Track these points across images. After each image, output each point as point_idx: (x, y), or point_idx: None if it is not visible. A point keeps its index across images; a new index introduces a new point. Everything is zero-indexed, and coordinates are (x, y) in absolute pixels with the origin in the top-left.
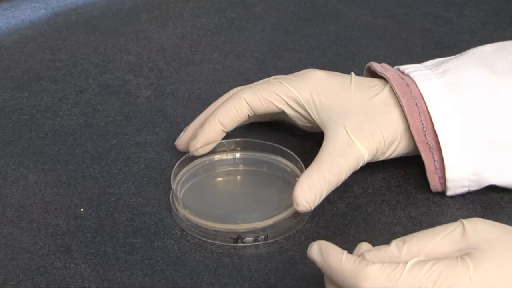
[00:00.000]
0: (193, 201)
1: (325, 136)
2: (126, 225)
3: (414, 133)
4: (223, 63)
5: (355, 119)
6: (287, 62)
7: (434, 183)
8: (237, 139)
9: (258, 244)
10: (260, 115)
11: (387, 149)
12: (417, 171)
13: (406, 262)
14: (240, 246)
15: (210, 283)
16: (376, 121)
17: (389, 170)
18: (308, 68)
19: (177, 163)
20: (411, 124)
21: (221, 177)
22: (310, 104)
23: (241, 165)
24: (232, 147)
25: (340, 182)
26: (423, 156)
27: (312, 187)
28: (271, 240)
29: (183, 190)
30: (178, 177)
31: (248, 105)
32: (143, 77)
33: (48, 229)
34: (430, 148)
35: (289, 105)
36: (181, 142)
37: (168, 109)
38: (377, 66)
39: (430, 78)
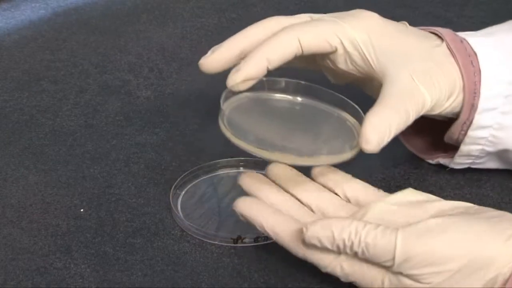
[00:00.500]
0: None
1: (384, 80)
2: (126, 226)
3: (466, 91)
4: None
5: (419, 64)
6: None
7: (454, 134)
8: (298, 81)
9: (258, 245)
10: (306, 57)
11: (446, 101)
12: (417, 171)
13: None
14: (240, 246)
15: (210, 284)
16: (439, 70)
17: (389, 170)
18: None
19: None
20: (466, 83)
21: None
22: (367, 46)
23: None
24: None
25: (407, 124)
26: (463, 113)
27: (382, 125)
28: (270, 241)
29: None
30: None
31: (300, 44)
32: (143, 77)
33: (48, 229)
34: (472, 109)
35: (343, 45)
36: (207, 62)
37: (168, 109)
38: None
39: (480, 38)
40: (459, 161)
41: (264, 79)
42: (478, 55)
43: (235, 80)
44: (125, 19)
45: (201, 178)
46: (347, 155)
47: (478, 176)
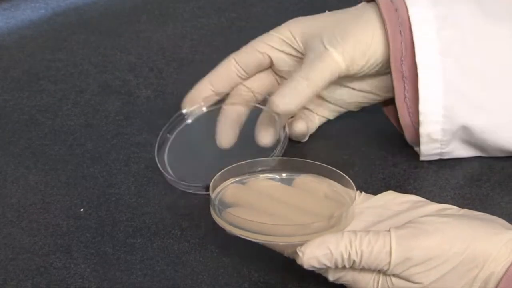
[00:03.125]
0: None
1: (305, 55)
2: (126, 225)
3: (392, 59)
4: None
5: (332, 31)
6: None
7: (403, 114)
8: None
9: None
10: (252, 72)
11: (365, 60)
12: (417, 171)
13: None
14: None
15: (210, 283)
16: (351, 30)
17: (389, 170)
18: None
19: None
20: (391, 51)
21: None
22: (291, 39)
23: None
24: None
25: (318, 89)
26: (394, 83)
27: (289, 93)
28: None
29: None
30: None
31: (236, 61)
32: (143, 77)
33: (48, 229)
34: (403, 77)
35: (272, 47)
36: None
37: (168, 109)
38: None
39: (423, 5)
40: (426, 151)
41: (243, 162)
42: (412, 24)
43: (183, 102)
44: (125, 19)
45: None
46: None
47: (478, 176)
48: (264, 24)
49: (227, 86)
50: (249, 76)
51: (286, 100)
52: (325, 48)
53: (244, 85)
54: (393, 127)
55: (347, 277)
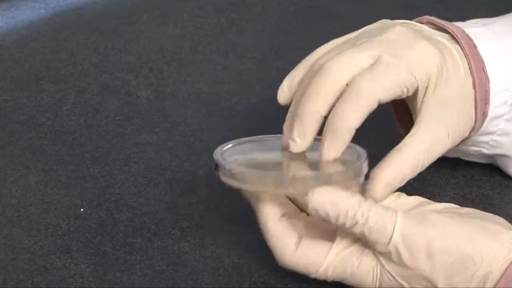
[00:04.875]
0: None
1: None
2: (126, 225)
3: (478, 99)
4: (223, 63)
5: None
6: (287, 62)
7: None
8: None
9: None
10: None
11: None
12: None
13: None
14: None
15: (210, 283)
16: (460, 100)
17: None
18: None
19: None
20: (478, 91)
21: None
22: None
23: None
24: None
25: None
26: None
27: (393, 178)
28: None
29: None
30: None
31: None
32: (143, 77)
33: (48, 229)
34: (483, 117)
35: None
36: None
37: (168, 109)
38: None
39: (488, 41)
40: (450, 154)
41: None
42: (485, 61)
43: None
44: (125, 19)
45: None
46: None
47: (478, 176)
48: (264, 24)
49: None
50: None
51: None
52: (445, 133)
53: None
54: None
55: (346, 271)
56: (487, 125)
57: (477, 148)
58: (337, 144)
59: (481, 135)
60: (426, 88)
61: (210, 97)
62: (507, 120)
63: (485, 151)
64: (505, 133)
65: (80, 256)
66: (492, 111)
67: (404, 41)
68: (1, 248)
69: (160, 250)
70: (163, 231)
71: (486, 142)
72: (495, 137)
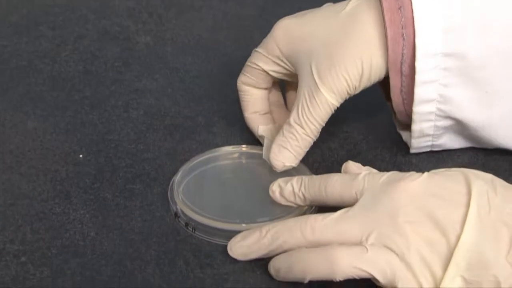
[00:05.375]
0: (193, 194)
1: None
2: (126, 171)
3: (390, 64)
4: (223, 9)
5: (321, 55)
6: (287, 10)
7: (398, 105)
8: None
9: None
10: (267, 87)
11: (360, 86)
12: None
13: None
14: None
15: None
16: (342, 57)
17: (389, 116)
18: None
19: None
20: (390, 57)
21: (225, 172)
22: (279, 57)
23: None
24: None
25: (316, 133)
26: (391, 81)
27: (287, 146)
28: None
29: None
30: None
31: (247, 84)
32: (142, 23)
33: (47, 175)
34: (402, 75)
35: (265, 67)
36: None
37: (167, 55)
38: None
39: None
40: (417, 144)
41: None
42: (416, 26)
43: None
44: None
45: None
46: None
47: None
48: None
49: (265, 108)
50: (268, 88)
51: (286, 158)
52: (316, 85)
53: (272, 102)
54: (387, 122)
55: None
56: (421, 92)
57: (430, 123)
58: None
59: (421, 103)
60: None
61: (210, 43)
62: (445, 86)
63: (439, 123)
64: (445, 101)
65: (79, 202)
66: (422, 75)
67: None
68: (0, 194)
69: (159, 196)
70: (162, 177)
71: (433, 113)
72: (438, 105)
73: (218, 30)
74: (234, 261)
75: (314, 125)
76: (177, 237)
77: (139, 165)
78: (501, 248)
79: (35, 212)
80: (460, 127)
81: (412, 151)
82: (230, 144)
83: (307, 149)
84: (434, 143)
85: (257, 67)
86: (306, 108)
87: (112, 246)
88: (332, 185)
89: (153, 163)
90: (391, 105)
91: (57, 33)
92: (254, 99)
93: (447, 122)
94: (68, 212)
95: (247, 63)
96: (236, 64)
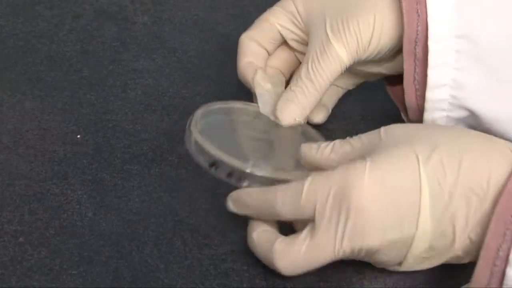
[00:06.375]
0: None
1: (308, 43)
2: (123, 152)
3: (405, 40)
4: None
5: (335, 13)
6: None
7: (410, 96)
8: None
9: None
10: (270, 48)
11: (372, 51)
12: None
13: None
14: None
15: (208, 209)
16: (356, 16)
17: (387, 96)
18: None
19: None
20: (405, 32)
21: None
22: (295, 15)
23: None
24: None
25: (324, 90)
26: (405, 65)
27: (294, 101)
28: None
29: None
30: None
31: (251, 40)
32: (139, 3)
33: (44, 155)
34: (415, 59)
35: (279, 24)
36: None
37: (165, 35)
38: None
39: None
40: None
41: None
42: (428, 4)
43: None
44: None
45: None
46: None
47: None
48: None
49: (262, 66)
50: (269, 53)
51: (293, 112)
52: (328, 39)
53: (269, 66)
54: (386, 101)
55: None
56: (433, 74)
57: (443, 113)
58: None
59: (434, 88)
60: None
61: (208, 23)
62: (457, 70)
63: (452, 114)
64: (458, 86)
65: (77, 182)
66: (435, 57)
67: None
68: None
69: (157, 176)
70: (160, 157)
71: (446, 100)
72: (451, 92)
73: (216, 9)
74: (232, 242)
75: (324, 80)
76: (175, 218)
77: (136, 145)
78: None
79: (33, 192)
80: (473, 120)
81: (426, 116)
82: None
83: (313, 106)
84: (449, 114)
85: (269, 21)
86: (316, 62)
87: (110, 226)
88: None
89: (150, 143)
90: (404, 109)
91: (54, 13)
92: (253, 53)
93: (460, 113)
94: (66, 192)
95: (258, 18)
96: (234, 44)
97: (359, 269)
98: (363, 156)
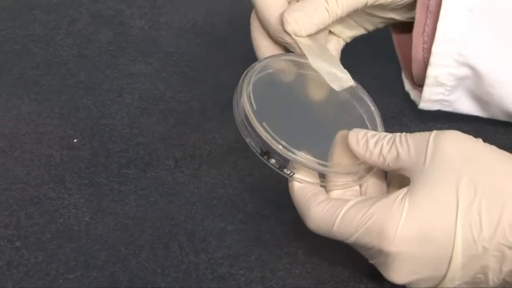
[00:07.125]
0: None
1: None
2: (120, 156)
3: None
4: None
5: None
6: None
7: (417, 47)
8: None
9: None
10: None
11: None
12: (413, 103)
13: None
14: (264, 161)
15: (204, 214)
16: None
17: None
18: None
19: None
20: None
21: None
22: None
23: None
24: None
25: (337, 18)
26: (416, 16)
27: (304, 10)
28: (291, 175)
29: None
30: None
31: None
32: (136, 7)
33: (41, 159)
34: (427, 10)
35: None
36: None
37: (161, 39)
38: None
39: None
40: (428, 96)
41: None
42: None
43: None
44: None
45: None
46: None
47: None
48: None
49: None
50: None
51: (300, 23)
52: None
53: None
54: (394, 73)
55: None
56: (446, 26)
57: (446, 69)
58: None
59: (443, 43)
60: None
61: (204, 27)
62: (468, 27)
63: (454, 71)
64: (467, 43)
65: (74, 186)
66: (447, 10)
67: None
68: None
69: (154, 180)
70: (156, 161)
71: (451, 57)
72: (458, 49)
73: (213, 14)
74: (229, 246)
75: (342, 7)
76: (172, 222)
77: (133, 149)
78: None
79: (29, 196)
80: (475, 81)
81: (421, 106)
82: (225, 129)
83: (321, 25)
84: (445, 97)
85: None
86: None
87: (107, 230)
88: None
89: (147, 147)
90: (405, 65)
91: (51, 17)
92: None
93: (464, 71)
94: (62, 196)
95: None
96: (231, 49)
97: (356, 274)
98: (404, 179)
